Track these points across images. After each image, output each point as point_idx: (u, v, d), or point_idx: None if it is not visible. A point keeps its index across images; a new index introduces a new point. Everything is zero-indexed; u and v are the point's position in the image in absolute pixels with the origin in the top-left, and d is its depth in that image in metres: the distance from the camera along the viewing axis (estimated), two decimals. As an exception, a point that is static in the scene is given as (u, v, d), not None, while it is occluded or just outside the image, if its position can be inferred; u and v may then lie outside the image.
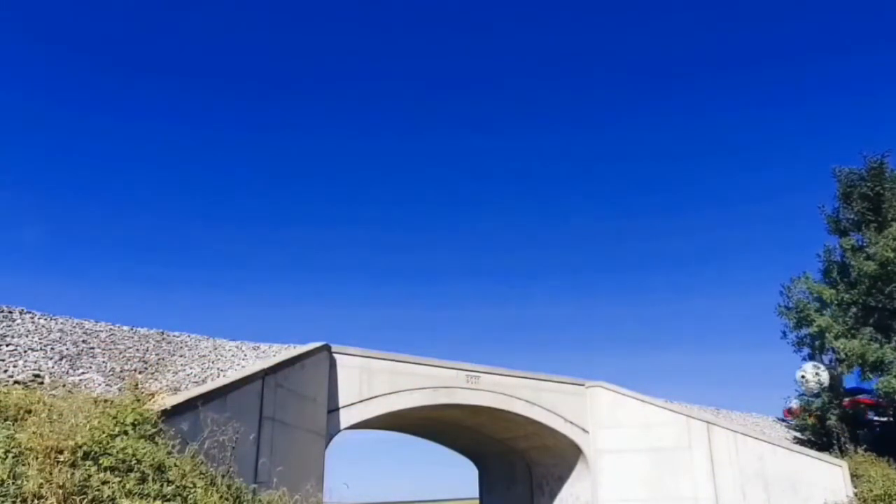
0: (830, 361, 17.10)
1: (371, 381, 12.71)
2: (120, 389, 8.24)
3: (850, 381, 20.24)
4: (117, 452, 6.29)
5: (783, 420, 18.81)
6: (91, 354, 9.10)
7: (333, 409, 11.98)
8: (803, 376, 20.62)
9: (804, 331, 17.13)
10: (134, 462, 6.32)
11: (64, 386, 7.86)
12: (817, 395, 19.91)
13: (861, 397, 20.26)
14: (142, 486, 6.17)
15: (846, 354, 15.73)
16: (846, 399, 19.49)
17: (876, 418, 19.94)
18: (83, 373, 8.56)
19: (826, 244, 17.62)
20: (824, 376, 20.41)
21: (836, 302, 16.65)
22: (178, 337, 10.73)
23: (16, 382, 7.73)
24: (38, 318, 9.42)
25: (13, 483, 5.46)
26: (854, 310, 16.33)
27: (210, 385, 9.02)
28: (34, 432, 5.99)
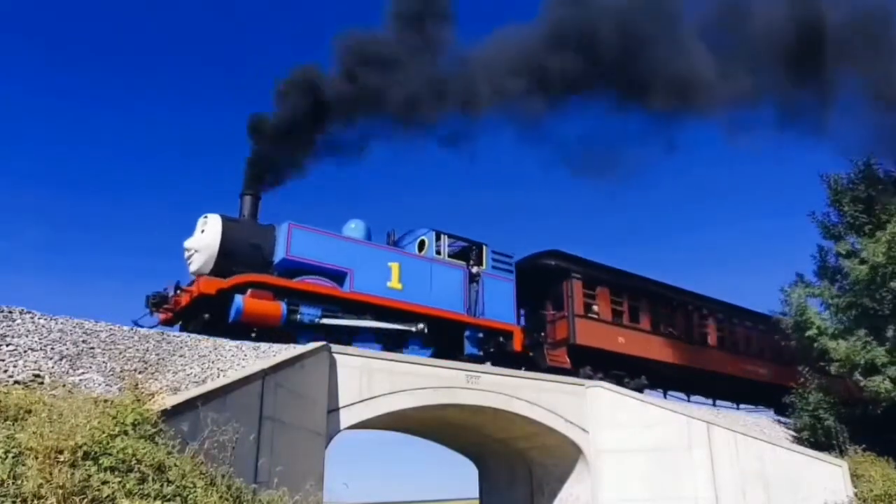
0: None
1: (371, 381, 12.71)
2: (120, 389, 8.24)
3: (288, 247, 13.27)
4: (117, 452, 6.29)
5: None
6: (91, 354, 9.09)
7: (333, 409, 11.98)
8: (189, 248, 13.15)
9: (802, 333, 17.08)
10: (134, 462, 6.32)
11: (64, 386, 7.85)
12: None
13: (308, 279, 13.50)
14: (142, 486, 6.18)
15: (838, 357, 15.72)
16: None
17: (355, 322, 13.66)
18: (83, 373, 8.56)
19: (820, 245, 17.60)
20: (213, 231, 12.93)
21: (833, 304, 16.65)
22: (178, 337, 10.72)
23: (16, 382, 7.73)
24: (38, 318, 9.41)
25: (13, 483, 5.47)
26: (849, 312, 16.31)
27: (210, 385, 9.03)
28: (34, 432, 5.99)
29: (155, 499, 6.13)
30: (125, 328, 10.28)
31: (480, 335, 15.56)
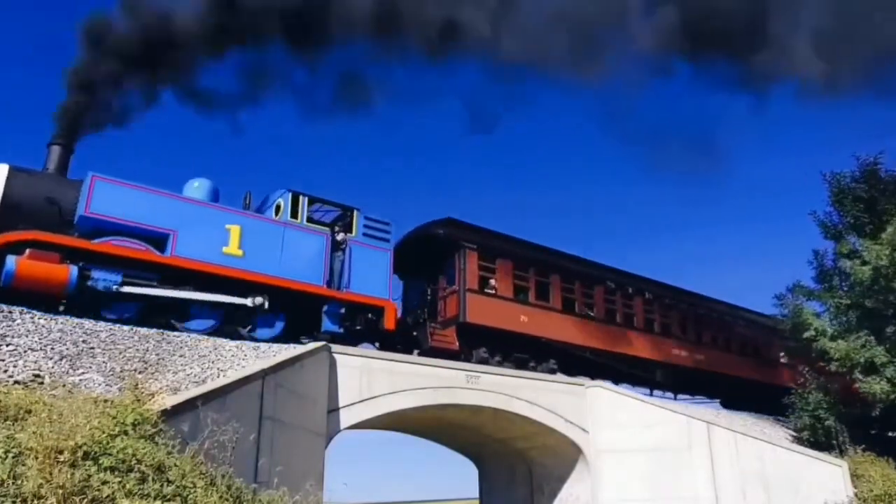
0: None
1: (371, 381, 12.71)
2: (120, 389, 8.24)
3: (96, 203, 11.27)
4: (117, 452, 6.29)
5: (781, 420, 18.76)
6: (91, 354, 9.10)
7: (333, 409, 11.99)
8: None
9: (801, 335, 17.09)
10: (134, 462, 6.33)
11: (64, 386, 7.86)
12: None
13: (114, 241, 11.46)
14: (142, 486, 6.18)
15: (837, 356, 15.74)
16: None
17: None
18: (83, 373, 8.56)
19: (817, 249, 17.62)
20: None
21: (833, 306, 16.66)
22: (178, 337, 10.72)
23: (16, 382, 7.73)
24: (38, 319, 9.42)
25: (13, 483, 5.47)
26: (850, 314, 16.32)
27: (210, 385, 9.03)
28: (34, 432, 6.00)
29: (155, 499, 6.13)
30: (125, 328, 10.29)
31: (342, 310, 13.60)
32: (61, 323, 9.59)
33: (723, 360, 21.32)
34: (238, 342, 11.58)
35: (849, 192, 16.84)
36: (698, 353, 20.71)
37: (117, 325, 10.32)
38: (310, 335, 13.35)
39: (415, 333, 15.43)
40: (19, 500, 5.37)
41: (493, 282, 16.49)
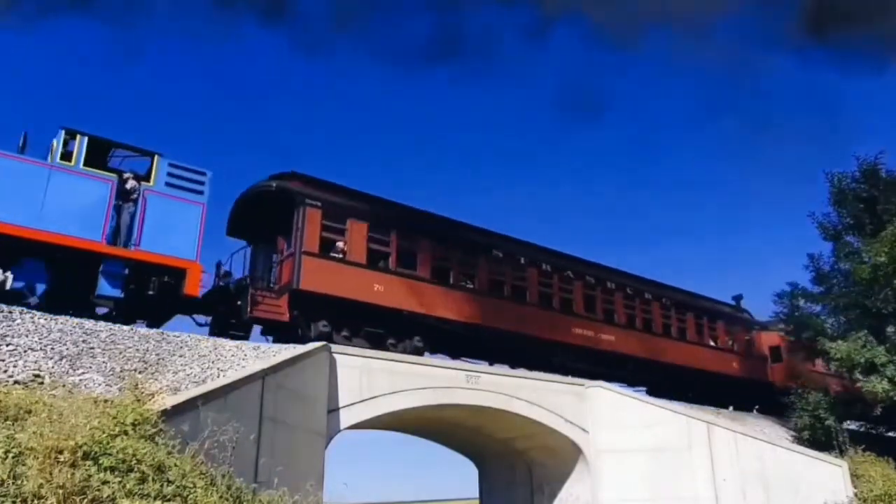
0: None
1: (371, 381, 12.71)
2: (120, 389, 8.25)
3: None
4: (117, 452, 6.31)
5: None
6: (91, 354, 9.10)
7: (333, 409, 11.99)
8: None
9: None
10: (134, 462, 6.34)
11: (64, 386, 7.87)
12: None
13: None
14: (142, 486, 6.19)
15: (838, 356, 15.78)
16: None
17: None
18: (83, 373, 8.57)
19: (813, 253, 17.70)
20: None
21: (832, 306, 16.72)
22: (178, 337, 10.73)
23: (16, 382, 7.74)
24: (38, 319, 9.42)
25: (13, 483, 5.47)
26: (849, 313, 16.37)
27: (210, 385, 9.04)
28: (34, 432, 6.01)
29: (155, 499, 6.14)
30: (125, 328, 10.29)
31: (126, 271, 11.46)
32: (61, 323, 9.59)
33: (642, 343, 19.04)
34: (238, 342, 11.58)
35: (849, 192, 16.90)
36: (608, 334, 18.26)
37: (117, 325, 10.32)
38: (81, 297, 11.30)
39: (239, 302, 13.37)
40: (19, 500, 5.37)
41: (340, 245, 14.33)
